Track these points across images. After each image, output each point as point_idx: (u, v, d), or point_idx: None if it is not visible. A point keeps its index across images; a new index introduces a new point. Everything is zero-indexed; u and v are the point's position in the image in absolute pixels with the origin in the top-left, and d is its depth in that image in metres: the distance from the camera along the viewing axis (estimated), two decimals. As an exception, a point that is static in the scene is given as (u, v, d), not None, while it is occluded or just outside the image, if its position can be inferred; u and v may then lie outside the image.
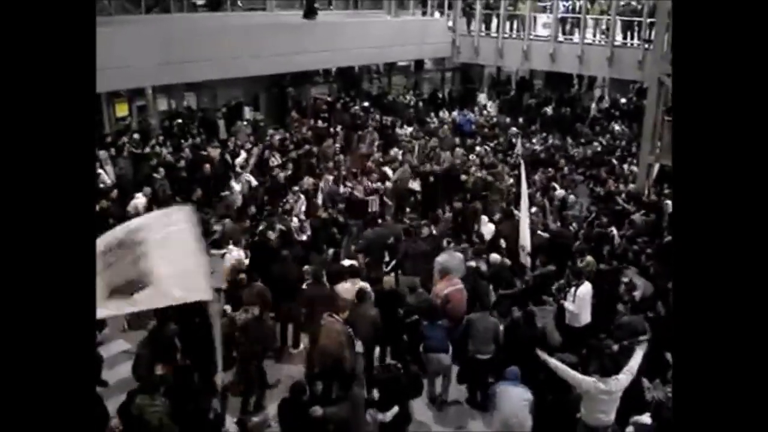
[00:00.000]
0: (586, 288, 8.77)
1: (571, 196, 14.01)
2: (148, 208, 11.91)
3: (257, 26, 18.37)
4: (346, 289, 8.69)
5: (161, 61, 15.29)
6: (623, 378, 6.59)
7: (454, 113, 21.35)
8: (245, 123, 18.03)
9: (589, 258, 10.13)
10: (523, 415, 6.81)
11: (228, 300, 8.89)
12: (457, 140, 18.27)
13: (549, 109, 21.70)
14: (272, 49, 17.82)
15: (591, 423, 6.63)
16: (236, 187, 13.10)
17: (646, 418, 6.74)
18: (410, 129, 19.06)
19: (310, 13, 19.73)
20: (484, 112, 22.40)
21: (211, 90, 19.26)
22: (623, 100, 22.97)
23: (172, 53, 15.53)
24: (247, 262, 9.91)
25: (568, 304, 8.77)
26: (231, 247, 10.28)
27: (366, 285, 8.75)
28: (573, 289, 8.83)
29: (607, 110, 22.37)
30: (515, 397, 6.85)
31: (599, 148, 18.22)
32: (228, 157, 14.82)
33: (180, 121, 17.46)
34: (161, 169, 13.02)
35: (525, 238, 10.46)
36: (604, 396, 6.51)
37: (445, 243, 10.38)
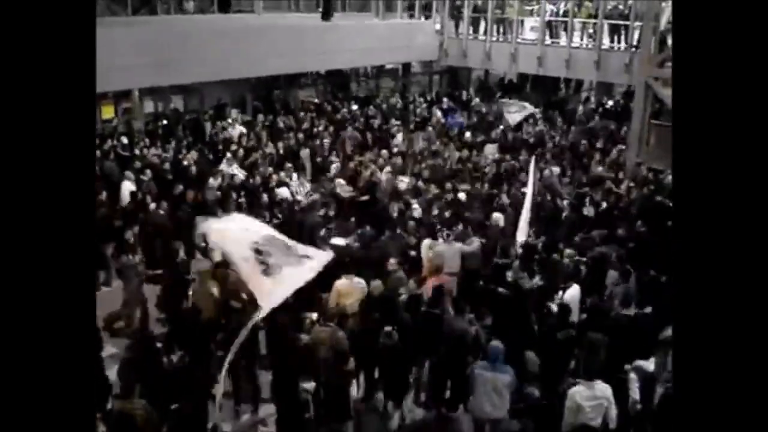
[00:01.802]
0: (574, 290, 8.73)
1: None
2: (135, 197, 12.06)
3: (245, 29, 18.33)
4: (343, 284, 8.37)
5: (148, 63, 15.21)
6: (609, 389, 6.47)
7: (439, 114, 21.14)
8: (230, 121, 17.95)
9: (568, 250, 10.07)
10: (497, 401, 6.78)
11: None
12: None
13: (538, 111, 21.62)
14: (260, 51, 17.78)
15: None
16: (214, 182, 13.03)
17: (649, 364, 6.74)
18: (396, 129, 18.80)
19: (327, 14, 20.28)
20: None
21: (198, 92, 19.18)
22: (610, 103, 23.04)
23: (158, 55, 15.45)
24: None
25: (555, 307, 8.67)
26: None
27: (362, 281, 8.45)
28: (561, 293, 8.79)
29: (592, 111, 22.39)
30: (493, 385, 6.76)
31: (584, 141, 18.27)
32: (209, 155, 14.96)
33: (165, 122, 17.38)
34: (148, 171, 12.97)
35: (522, 232, 10.64)
36: (591, 402, 6.33)
37: (445, 235, 10.32)
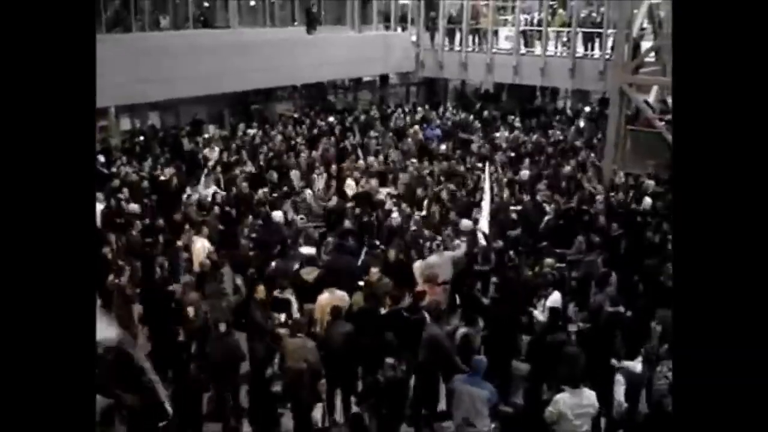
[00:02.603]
0: (555, 297, 8.66)
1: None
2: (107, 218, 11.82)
3: (221, 44, 18.30)
4: (325, 297, 8.20)
5: (124, 80, 15.14)
6: (594, 395, 6.33)
7: (416, 127, 21.09)
8: (206, 137, 17.86)
9: (547, 260, 9.93)
10: (478, 417, 6.61)
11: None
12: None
13: (516, 120, 21.68)
14: (236, 66, 17.77)
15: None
16: (193, 196, 12.88)
17: (636, 365, 6.68)
18: (374, 141, 18.77)
19: (312, 27, 20.78)
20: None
21: (174, 108, 19.10)
22: (587, 109, 23.23)
23: (134, 72, 15.42)
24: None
25: (537, 314, 8.58)
26: (195, 237, 10.30)
27: (344, 295, 8.29)
28: (543, 300, 8.76)
29: (569, 118, 22.58)
30: (470, 399, 6.60)
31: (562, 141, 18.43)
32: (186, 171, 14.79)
33: (142, 139, 17.27)
34: (125, 190, 12.82)
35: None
36: (576, 410, 6.17)
37: (435, 245, 10.31)
